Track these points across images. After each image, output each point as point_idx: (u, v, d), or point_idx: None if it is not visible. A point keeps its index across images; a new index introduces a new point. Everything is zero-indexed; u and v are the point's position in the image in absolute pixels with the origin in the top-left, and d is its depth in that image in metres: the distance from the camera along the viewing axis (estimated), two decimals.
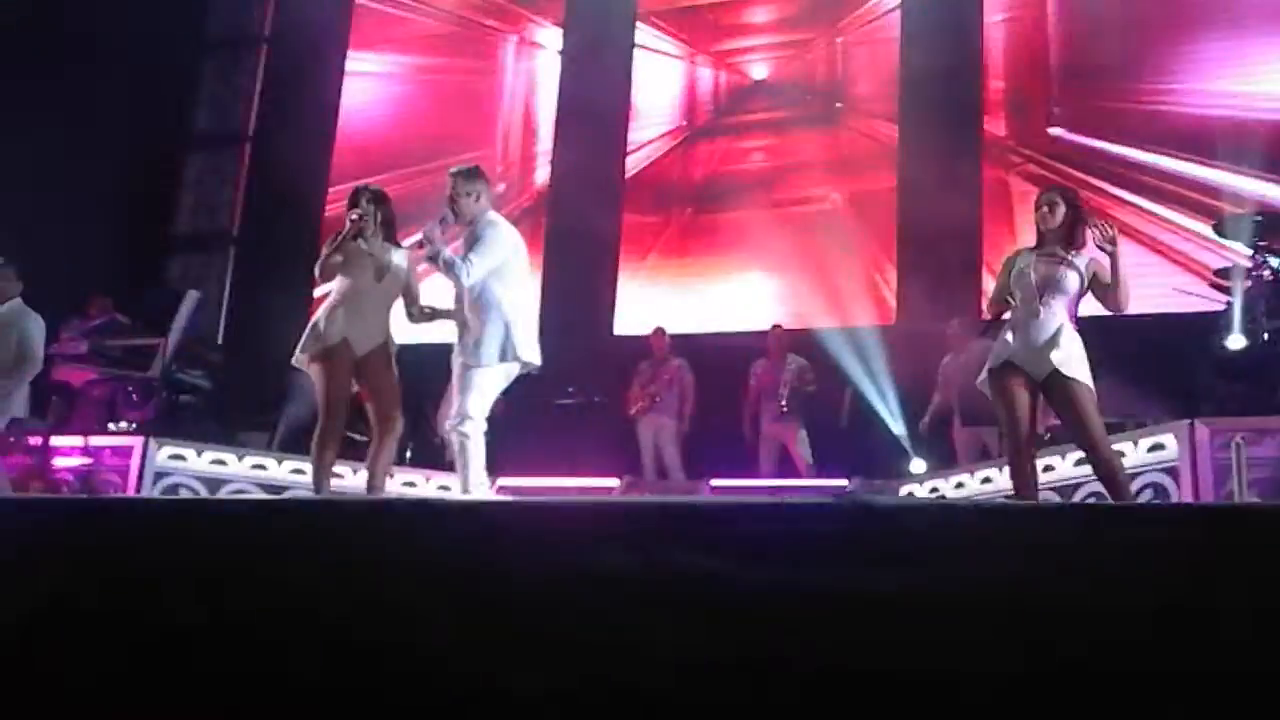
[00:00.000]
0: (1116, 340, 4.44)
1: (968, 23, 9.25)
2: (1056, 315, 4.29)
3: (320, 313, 4.77)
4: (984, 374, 4.46)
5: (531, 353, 4.58)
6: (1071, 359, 4.25)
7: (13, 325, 5.80)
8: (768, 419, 7.91)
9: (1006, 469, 5.08)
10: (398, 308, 4.92)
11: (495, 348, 4.48)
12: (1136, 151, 8.41)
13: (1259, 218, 6.00)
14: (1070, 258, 4.37)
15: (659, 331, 8.32)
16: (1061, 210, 4.42)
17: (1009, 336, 4.39)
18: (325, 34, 11.25)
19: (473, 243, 4.55)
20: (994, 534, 2.13)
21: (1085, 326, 4.39)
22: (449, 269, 4.49)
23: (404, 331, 4.98)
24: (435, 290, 5.16)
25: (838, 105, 9.90)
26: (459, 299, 4.61)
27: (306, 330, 4.77)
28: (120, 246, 10.20)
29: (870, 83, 9.85)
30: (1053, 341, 4.25)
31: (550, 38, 10.93)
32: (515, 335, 4.50)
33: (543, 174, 10.56)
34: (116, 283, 8.62)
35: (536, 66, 10.97)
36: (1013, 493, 4.51)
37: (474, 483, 4.48)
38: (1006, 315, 4.51)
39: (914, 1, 9.54)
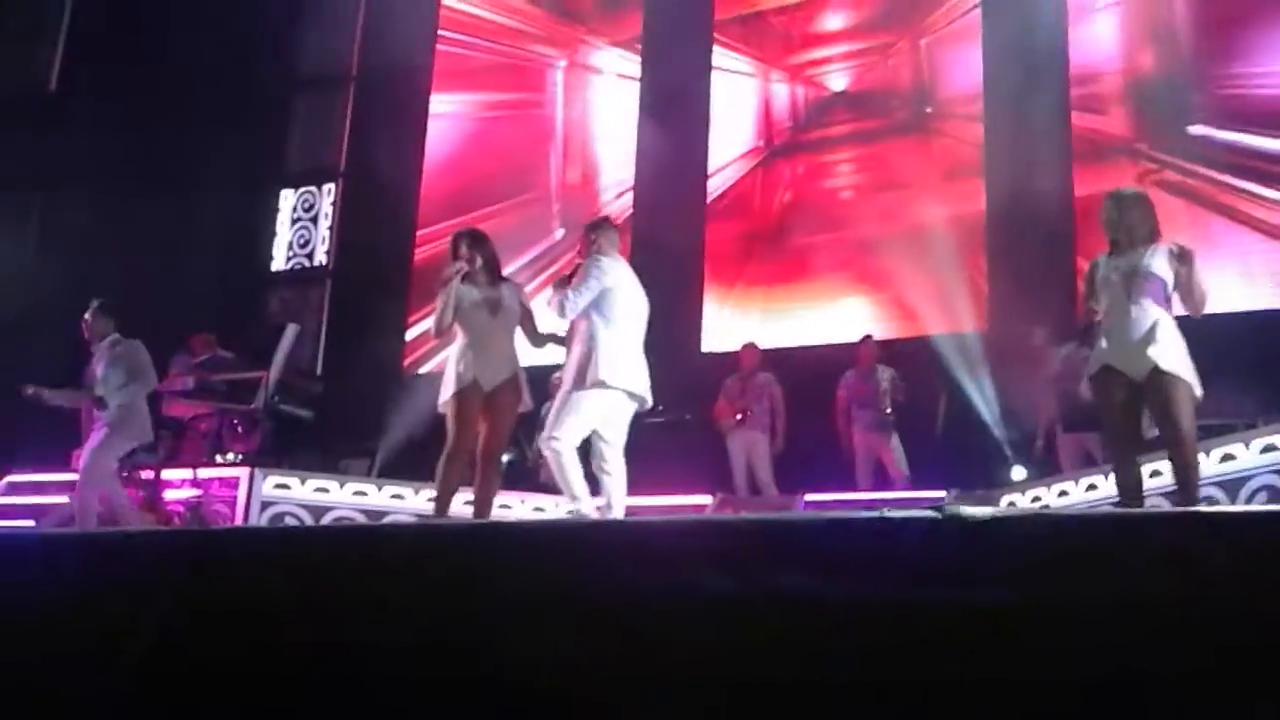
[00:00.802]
0: (1227, 339, 4.30)
1: (1054, 15, 9.03)
2: (1149, 312, 4.21)
3: (451, 359, 5.01)
4: (1084, 380, 4.39)
5: (629, 380, 4.79)
6: (1168, 353, 4.15)
7: (119, 356, 6.09)
8: (860, 430, 7.82)
9: (1112, 475, 4.95)
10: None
11: (579, 372, 4.73)
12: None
13: None
14: (1149, 254, 4.29)
15: (749, 347, 8.30)
16: (1130, 211, 4.37)
17: (1104, 341, 4.33)
18: (410, 72, 11.53)
19: (577, 279, 4.87)
20: (1100, 544, 2.07)
21: (1197, 326, 4.28)
22: (555, 306, 4.86)
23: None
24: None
25: (927, 110, 9.72)
26: (569, 330, 4.97)
27: (444, 381, 4.98)
28: (221, 283, 10.60)
29: (959, 84, 9.60)
30: (1148, 338, 4.17)
31: (607, 60, 11.00)
32: (600, 362, 4.71)
33: (608, 195, 10.64)
34: (218, 319, 8.94)
35: (591, 89, 11.02)
36: (1119, 500, 4.40)
37: (577, 491, 4.70)
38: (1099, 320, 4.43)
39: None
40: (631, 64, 10.94)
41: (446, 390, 4.91)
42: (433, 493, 5.14)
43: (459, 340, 5.01)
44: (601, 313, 4.80)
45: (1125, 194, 4.60)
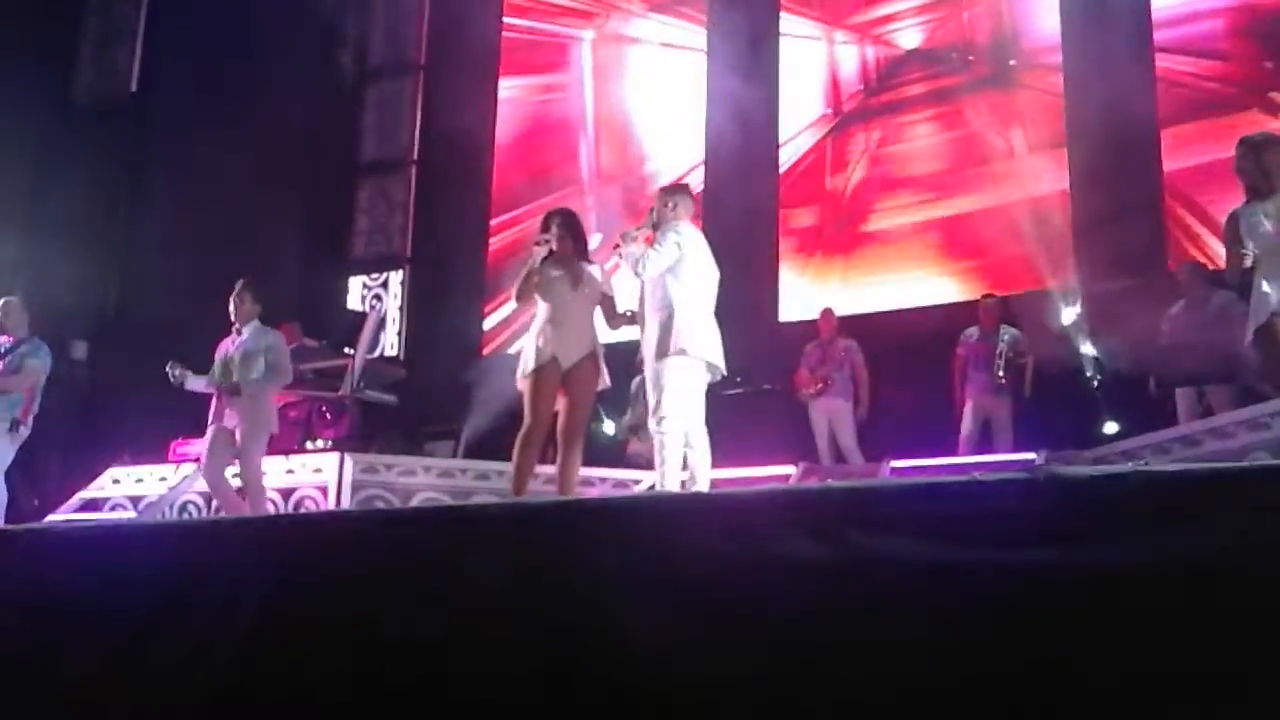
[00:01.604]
0: None
1: None
2: None
3: (529, 335, 5.04)
4: (1251, 330, 4.25)
5: (707, 350, 4.74)
6: None
7: (265, 346, 6.13)
8: (976, 390, 7.59)
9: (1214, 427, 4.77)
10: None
11: (669, 340, 4.66)
12: None
13: None
14: None
15: (827, 312, 8.20)
16: (1267, 155, 4.24)
17: (1267, 287, 4.18)
18: (475, 60, 11.60)
19: (656, 244, 4.80)
20: (1197, 499, 2.00)
21: None
22: (631, 261, 4.76)
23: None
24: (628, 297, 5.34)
25: (1010, 63, 9.35)
26: (641, 299, 4.86)
27: (522, 356, 5.02)
28: (303, 272, 10.81)
29: (1042, 33, 9.18)
30: None
31: (643, 29, 10.88)
32: (680, 330, 4.67)
33: (652, 166, 10.54)
34: (302, 307, 9.11)
35: (686, 71, 10.91)
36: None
37: (670, 482, 4.65)
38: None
39: None
40: (679, 31, 10.82)
41: (526, 365, 4.94)
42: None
43: (539, 315, 5.03)
44: (680, 279, 4.76)
45: (1259, 139, 4.46)
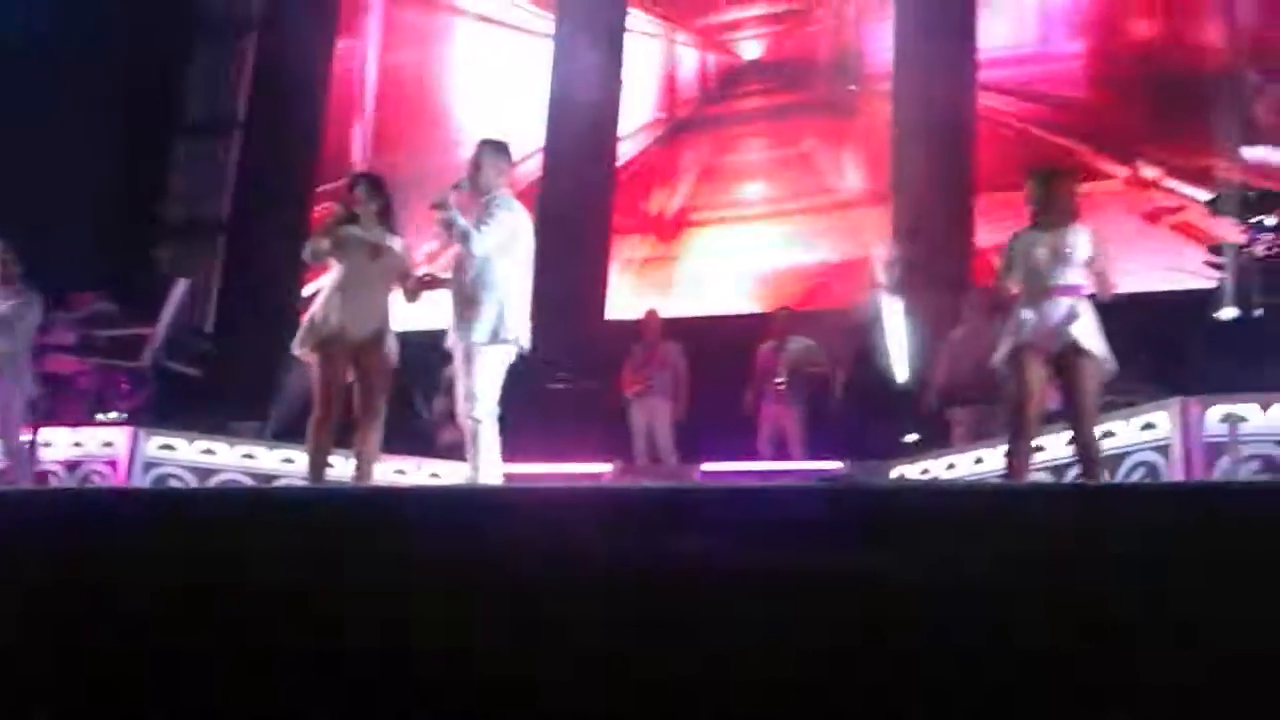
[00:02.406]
0: (1108, 317, 4.45)
1: None
2: (1070, 289, 4.33)
3: (317, 303, 4.74)
4: (1001, 353, 4.48)
5: (524, 334, 4.51)
6: (1085, 330, 4.30)
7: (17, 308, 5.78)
8: (767, 400, 7.87)
9: (1000, 449, 5.09)
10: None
11: (490, 326, 4.39)
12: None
13: (1250, 194, 5.99)
14: (1071, 232, 4.41)
15: (651, 314, 8.29)
16: (1053, 188, 4.48)
17: (1024, 315, 4.41)
18: (315, 20, 11.18)
19: (486, 216, 4.48)
20: (987, 515, 2.13)
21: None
22: (462, 236, 4.42)
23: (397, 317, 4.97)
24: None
25: (851, 88, 9.60)
26: (458, 272, 4.52)
27: (304, 322, 4.75)
28: (110, 235, 10.16)
29: (885, 58, 9.44)
30: (1069, 315, 4.30)
31: (546, 26, 10.79)
32: (509, 315, 4.43)
33: (533, 162, 10.51)
34: (106, 272, 8.58)
35: (529, 55, 10.80)
36: (1006, 472, 4.52)
37: (485, 471, 4.40)
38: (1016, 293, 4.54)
39: None
40: (536, 18, 10.76)
41: (309, 336, 4.65)
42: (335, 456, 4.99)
43: (330, 280, 4.75)
44: (514, 259, 4.50)
45: (1049, 171, 4.71)
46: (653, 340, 8.13)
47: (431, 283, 4.82)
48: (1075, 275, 4.34)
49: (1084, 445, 4.33)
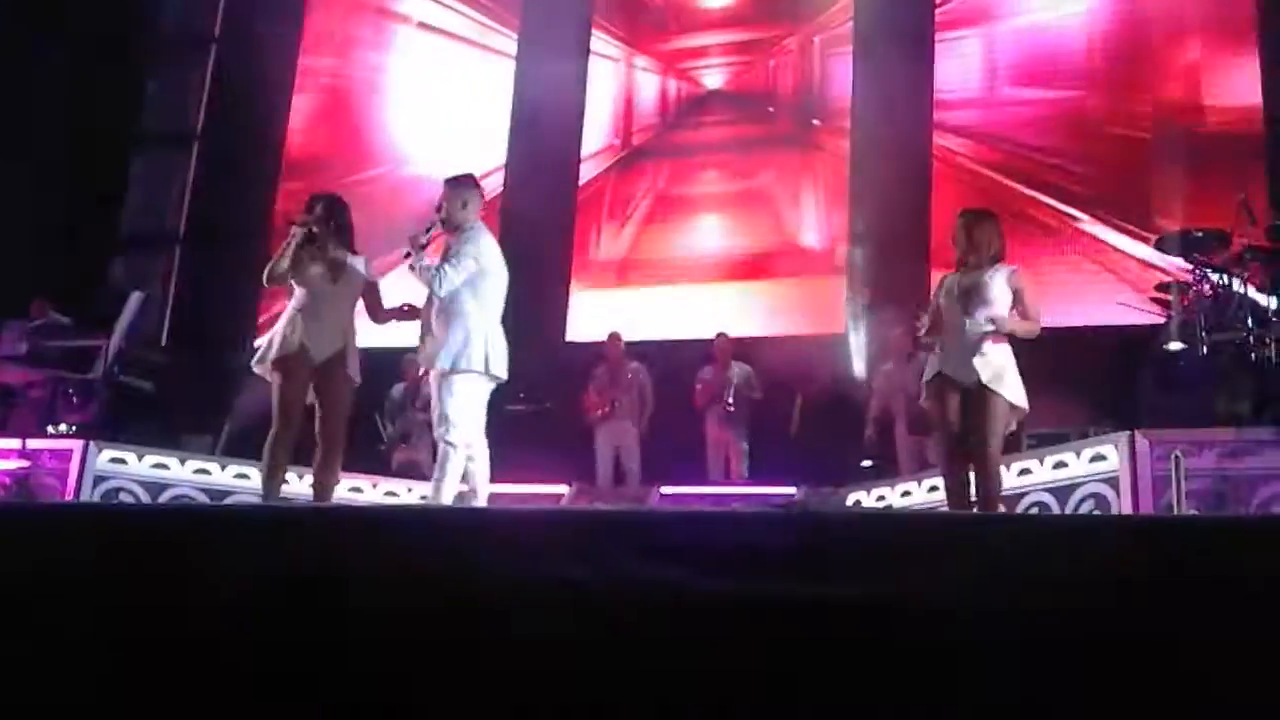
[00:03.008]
0: (1058, 352, 4.57)
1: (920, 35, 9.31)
2: (981, 327, 4.45)
3: (279, 323, 4.76)
4: (922, 382, 4.69)
5: (496, 366, 4.60)
6: (992, 367, 4.41)
7: None
8: (712, 424, 7.96)
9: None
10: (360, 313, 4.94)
11: (453, 354, 4.49)
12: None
13: (1198, 233, 6.13)
14: (990, 272, 4.54)
15: (615, 336, 8.31)
16: (975, 229, 4.62)
17: (940, 349, 4.58)
18: (275, 34, 11.13)
19: (453, 255, 4.57)
20: (942, 543, 2.16)
21: (1040, 339, 4.55)
22: (425, 277, 4.52)
23: (360, 336, 4.97)
24: (403, 292, 5.15)
25: (815, 123, 9.71)
26: (428, 303, 4.63)
27: (265, 340, 4.74)
28: (64, 246, 10.02)
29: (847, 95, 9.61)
30: (975, 350, 4.43)
31: (509, 45, 10.84)
32: (474, 346, 4.52)
33: (494, 180, 10.52)
34: (59, 283, 8.45)
35: (493, 74, 10.85)
36: (947, 502, 4.62)
37: (445, 494, 4.47)
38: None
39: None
40: (500, 36, 10.79)
41: (270, 352, 4.65)
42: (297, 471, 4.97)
43: (292, 302, 4.77)
44: (476, 293, 4.58)
45: (974, 213, 4.84)
46: (616, 363, 8.15)
47: (409, 312, 4.86)
48: (988, 311, 4.46)
49: (983, 479, 4.41)
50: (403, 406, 8.27)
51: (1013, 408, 4.44)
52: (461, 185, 4.75)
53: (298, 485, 5.99)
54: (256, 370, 4.74)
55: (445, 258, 4.57)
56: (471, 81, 10.86)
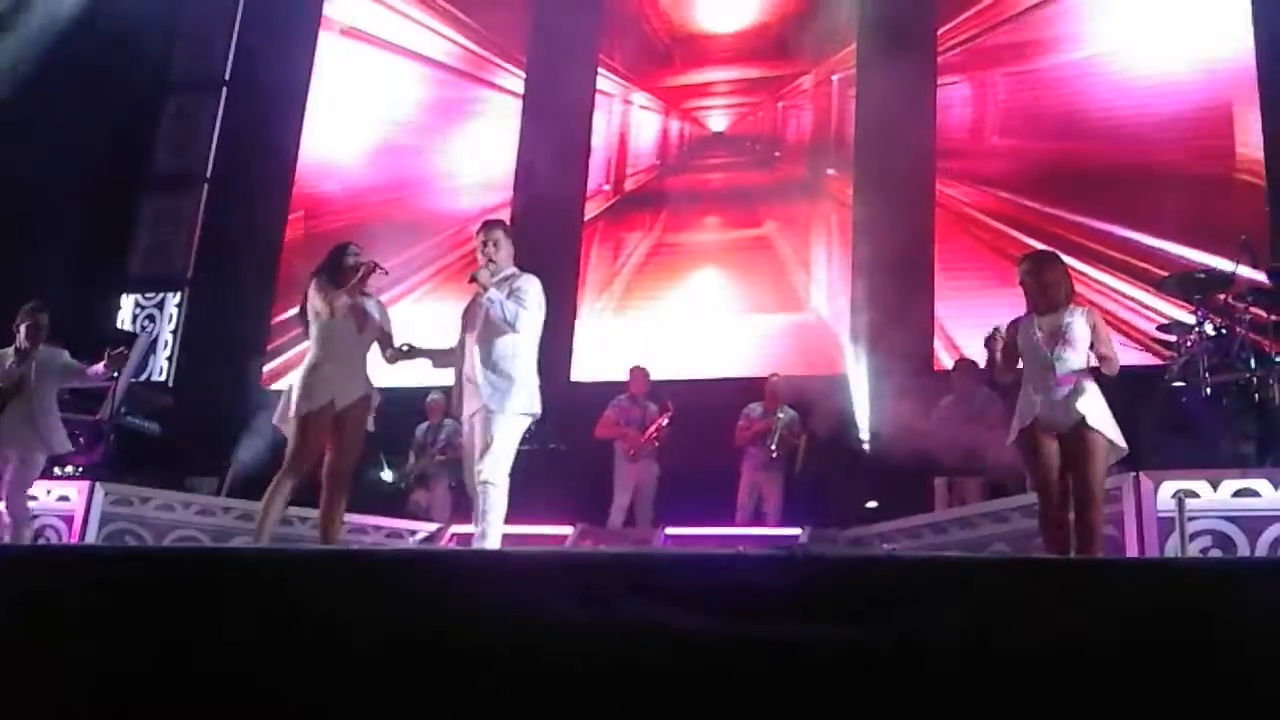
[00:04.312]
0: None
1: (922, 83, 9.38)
2: (1071, 368, 4.43)
3: (304, 372, 4.76)
4: (1012, 435, 4.55)
5: (538, 405, 4.68)
6: (1094, 408, 4.37)
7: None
8: (751, 465, 7.90)
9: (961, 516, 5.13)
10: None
11: (521, 398, 4.58)
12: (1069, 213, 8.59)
13: (1201, 274, 6.15)
14: (1068, 313, 4.54)
15: (639, 370, 8.28)
16: (1044, 273, 4.59)
17: (1032, 397, 4.49)
18: (287, 77, 11.28)
19: (519, 296, 4.65)
20: (947, 586, 2.16)
21: None
22: (509, 316, 4.57)
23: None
24: (406, 331, 5.19)
25: (829, 172, 9.72)
26: (484, 342, 4.60)
27: (294, 390, 4.73)
28: (73, 287, 10.09)
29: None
30: (1075, 393, 4.39)
31: (517, 84, 10.93)
32: (531, 388, 4.63)
33: (462, 202, 10.52)
34: (68, 324, 8.50)
35: (500, 111, 10.94)
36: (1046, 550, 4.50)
37: (493, 535, 4.49)
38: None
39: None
40: (511, 76, 10.90)
41: (299, 406, 4.66)
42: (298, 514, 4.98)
43: (315, 352, 4.78)
44: (530, 336, 4.68)
45: (1039, 257, 4.81)
46: (643, 399, 8.14)
47: (410, 352, 4.89)
48: (1077, 357, 4.45)
49: (1088, 528, 4.31)
50: (423, 447, 8.31)
51: (1112, 446, 4.39)
52: (497, 227, 4.90)
53: (301, 527, 6.03)
54: (279, 426, 4.77)
55: (513, 298, 4.62)
56: (479, 118, 10.95)
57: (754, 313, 9.55)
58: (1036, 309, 4.59)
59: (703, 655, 2.06)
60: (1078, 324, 4.49)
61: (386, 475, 8.27)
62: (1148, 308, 7.77)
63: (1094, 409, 4.37)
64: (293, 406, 4.70)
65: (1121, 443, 4.41)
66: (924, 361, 8.60)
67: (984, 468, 6.55)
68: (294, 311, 4.89)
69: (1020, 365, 4.62)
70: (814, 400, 8.12)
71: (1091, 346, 4.51)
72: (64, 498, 6.26)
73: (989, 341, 4.65)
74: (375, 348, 4.95)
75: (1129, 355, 6.95)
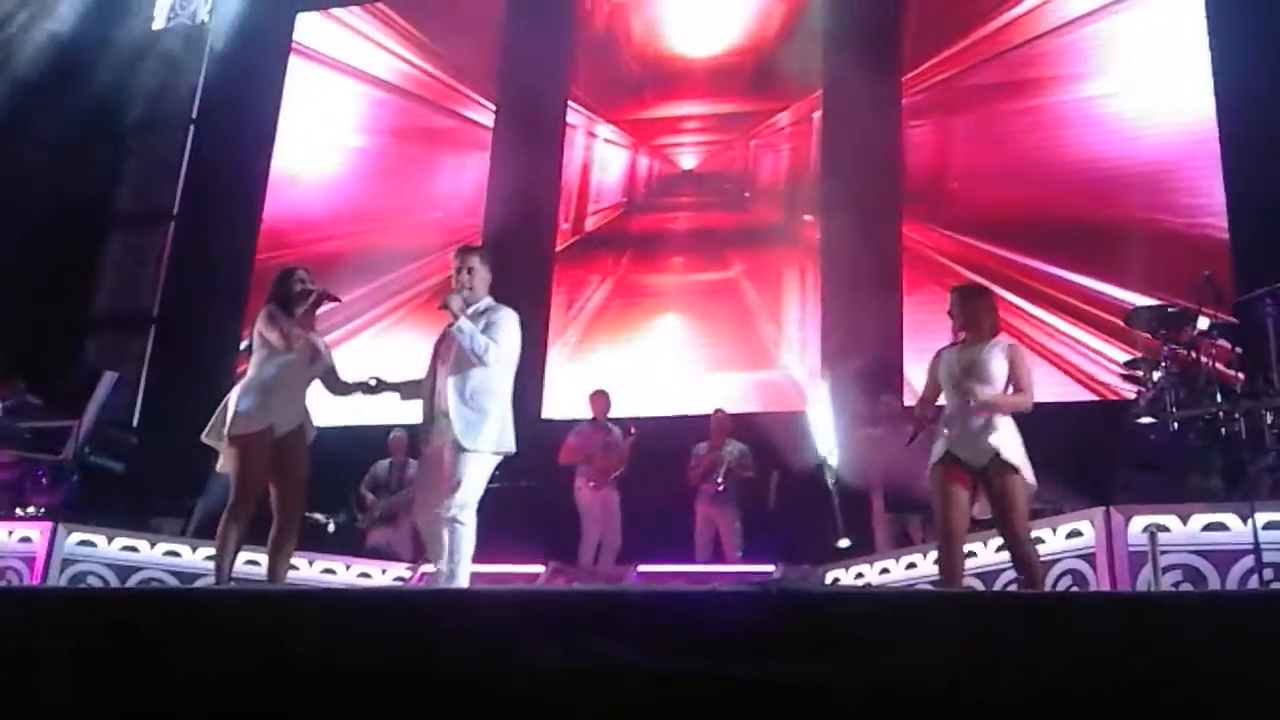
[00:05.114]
0: (1033, 427, 4.58)
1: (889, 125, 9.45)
2: (982, 403, 4.44)
3: (241, 393, 4.65)
4: (929, 466, 4.56)
5: (512, 443, 4.57)
6: (1007, 443, 4.39)
7: None
8: (703, 502, 7.90)
9: (932, 555, 5.15)
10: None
11: (494, 434, 4.45)
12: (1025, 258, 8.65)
13: (1169, 309, 6.21)
14: (989, 348, 4.56)
15: (601, 394, 8.22)
16: (969, 303, 4.67)
17: (945, 429, 4.53)
18: (253, 115, 11.26)
19: (493, 328, 4.52)
20: (923, 623, 2.15)
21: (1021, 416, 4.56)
22: (478, 349, 4.43)
23: (326, 414, 4.95)
24: (371, 365, 5.14)
25: (806, 218, 9.65)
26: (456, 376, 4.47)
27: (228, 409, 4.65)
28: (37, 326, 9.97)
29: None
30: (988, 428, 4.40)
31: (487, 117, 10.93)
32: (506, 426, 4.51)
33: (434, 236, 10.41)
34: (31, 362, 8.39)
35: (471, 144, 10.90)
36: (939, 580, 4.57)
37: (462, 574, 4.37)
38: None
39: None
40: (482, 110, 10.90)
41: (237, 426, 4.54)
42: (259, 556, 4.89)
43: (258, 374, 4.67)
44: (505, 371, 4.57)
45: (970, 288, 4.91)
46: (605, 423, 8.11)
47: (378, 387, 4.79)
48: (992, 391, 4.47)
49: (1019, 559, 4.38)
50: (387, 484, 8.20)
51: (1026, 482, 4.40)
52: (474, 252, 4.76)
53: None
54: (207, 442, 4.67)
55: (487, 331, 4.49)
56: (450, 150, 10.92)
57: (721, 370, 9.44)
58: (962, 340, 4.63)
59: (672, 693, 2.03)
60: (995, 358, 4.53)
61: (327, 523, 8.11)
62: (1112, 360, 7.82)
63: (1007, 442, 4.40)
64: (227, 424, 4.60)
65: (1031, 479, 4.41)
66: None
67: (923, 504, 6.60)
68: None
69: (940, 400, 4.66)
70: (783, 437, 8.12)
71: (1010, 381, 4.54)
72: (26, 539, 6.14)
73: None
74: (318, 382, 4.86)
75: (1085, 398, 6.98)
